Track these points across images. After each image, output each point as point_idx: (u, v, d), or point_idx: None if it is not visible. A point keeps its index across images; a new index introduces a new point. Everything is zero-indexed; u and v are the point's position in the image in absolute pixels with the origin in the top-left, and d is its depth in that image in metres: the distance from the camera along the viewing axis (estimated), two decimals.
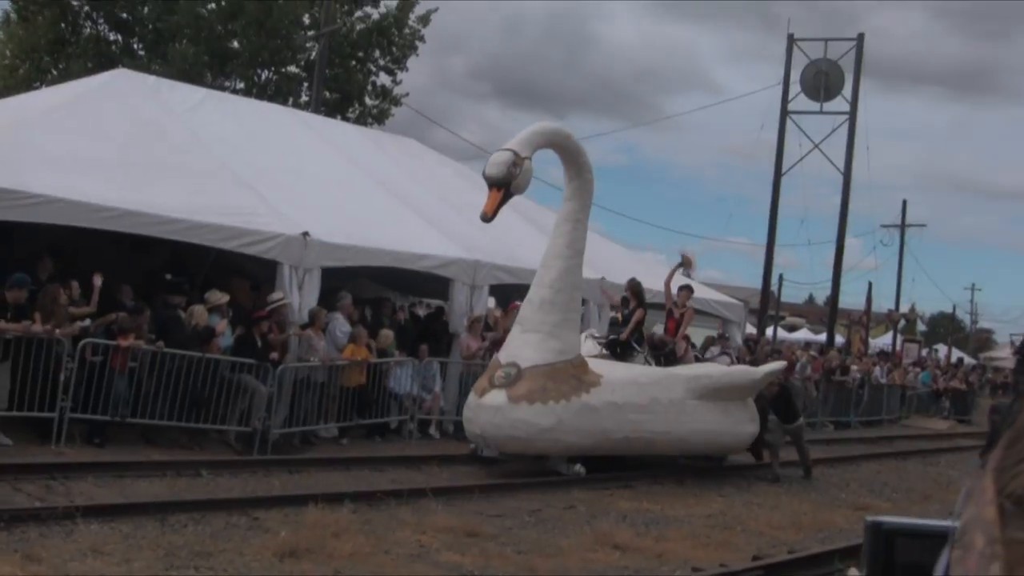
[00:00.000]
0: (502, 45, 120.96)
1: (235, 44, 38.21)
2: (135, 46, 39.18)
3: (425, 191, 22.07)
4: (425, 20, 40.27)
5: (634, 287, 18.03)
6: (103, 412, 14.28)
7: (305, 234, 16.20)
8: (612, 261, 24.31)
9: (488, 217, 14.68)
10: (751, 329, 34.16)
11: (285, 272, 16.15)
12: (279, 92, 38.30)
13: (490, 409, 15.23)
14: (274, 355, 15.69)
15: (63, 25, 37.72)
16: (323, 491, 12.46)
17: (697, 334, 27.61)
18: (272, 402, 15.51)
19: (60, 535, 9.76)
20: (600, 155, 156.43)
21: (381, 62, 40.39)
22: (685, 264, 18.88)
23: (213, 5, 37.82)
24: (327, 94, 35.60)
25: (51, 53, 37.91)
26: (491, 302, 20.21)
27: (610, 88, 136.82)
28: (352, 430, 17.57)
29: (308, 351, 16.39)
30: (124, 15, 38.61)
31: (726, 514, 14.58)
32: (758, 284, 42.64)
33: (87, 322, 14.58)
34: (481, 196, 23.22)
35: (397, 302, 20.77)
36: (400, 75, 40.90)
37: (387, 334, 18.01)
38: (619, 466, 16.76)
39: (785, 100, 40.63)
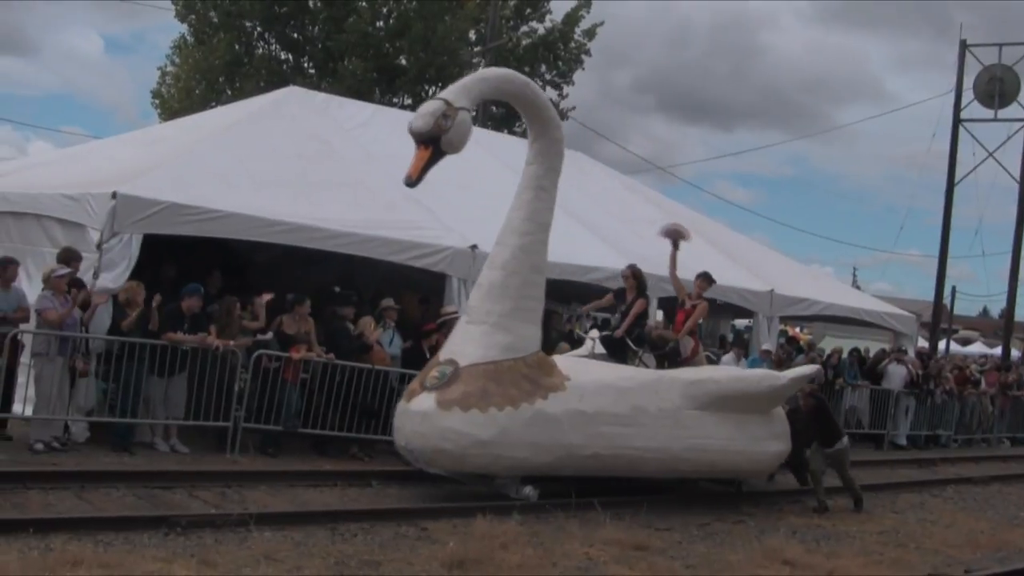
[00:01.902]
0: (667, 58, 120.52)
1: (402, 61, 38.73)
2: (305, 65, 40.02)
3: (593, 204, 22.04)
4: (591, 34, 40.34)
5: (635, 272, 15.56)
6: (275, 422, 14.56)
7: (473, 247, 16.30)
8: (780, 273, 23.99)
9: (412, 180, 12.32)
10: (923, 343, 33.40)
11: (454, 285, 16.29)
12: None
13: (416, 416, 12.73)
14: None
15: (237, 47, 38.73)
16: (491, 503, 12.49)
17: (877, 349, 27.07)
18: None
19: (234, 541, 9.96)
20: (768, 167, 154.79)
21: (547, 76, 40.58)
22: (677, 237, 15.88)
23: (381, 23, 38.43)
24: (493, 108, 35.85)
25: (226, 74, 38.94)
26: (659, 315, 19.96)
27: (777, 99, 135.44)
28: None
29: None
30: (295, 35, 39.49)
31: (899, 531, 14.21)
32: (930, 297, 41.64)
33: (269, 335, 14.88)
34: (650, 209, 23.33)
35: (566, 315, 20.70)
36: (567, 89, 41.05)
37: (564, 347, 17.86)
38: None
39: (958, 108, 39.61)
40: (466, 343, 13.02)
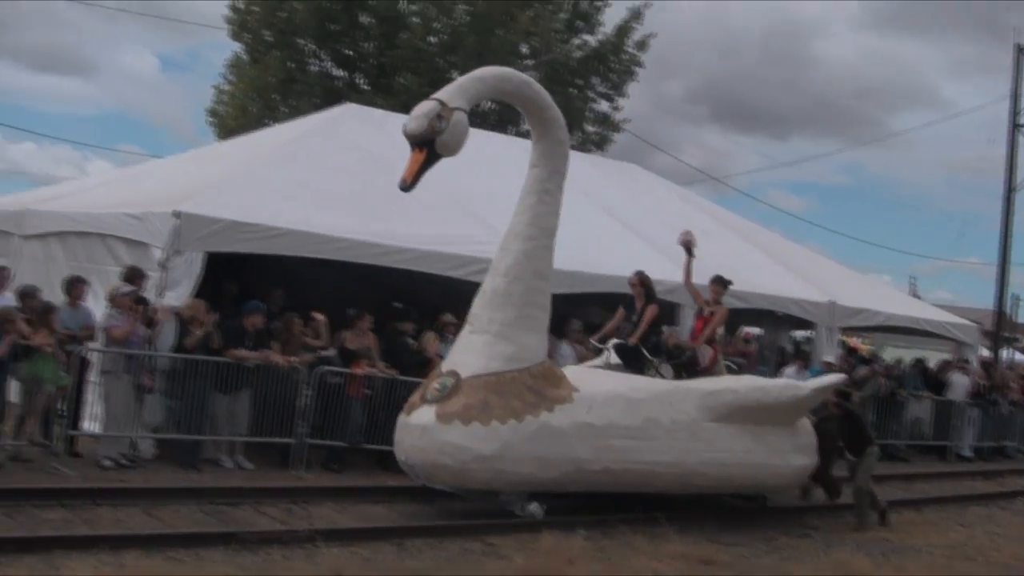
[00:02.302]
0: (719, 67, 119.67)
1: (455, 75, 38.80)
2: (359, 81, 40.18)
3: (649, 216, 21.98)
4: (643, 45, 40.24)
5: (642, 279, 14.79)
6: (339, 438, 14.61)
7: None
8: (840, 283, 23.79)
9: (406, 184, 11.98)
10: (985, 352, 33.00)
11: None
12: (500, 121, 38.75)
13: (415, 430, 12.19)
14: None
15: (291, 64, 38.96)
16: (557, 517, 12.44)
17: (934, 358, 26.74)
18: None
19: (302, 557, 10.02)
20: (824, 175, 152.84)
21: (600, 89, 40.57)
22: (689, 248, 15.13)
23: (433, 39, 38.54)
24: None
25: (280, 91, 39.19)
26: (745, 331, 19.85)
27: (831, 107, 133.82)
28: None
29: None
30: (348, 51, 39.67)
31: (967, 544, 13.98)
32: (991, 305, 41.10)
33: (331, 351, 14.94)
34: (705, 220, 23.22)
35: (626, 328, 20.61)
36: (619, 101, 41.01)
37: None
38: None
39: (1014, 112, 39.16)
40: (468, 353, 12.49)
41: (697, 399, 13.39)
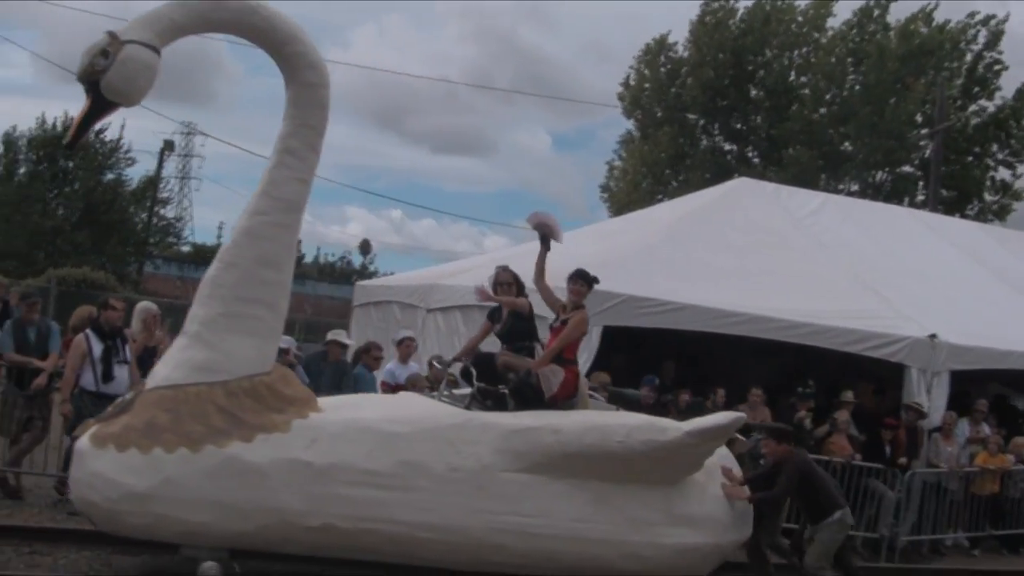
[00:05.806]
0: None
1: (847, 146, 38.34)
2: (749, 154, 40.32)
3: None
4: None
5: (514, 276, 11.25)
6: None
7: (932, 336, 15.77)
8: None
9: (68, 141, 9.17)
10: None
11: (913, 375, 15.71)
12: (894, 192, 37.95)
13: (76, 456, 9.20)
14: (902, 460, 15.30)
15: (681, 140, 39.58)
16: None
17: None
18: (900, 508, 15.14)
19: None
20: None
21: (999, 156, 39.10)
22: (545, 236, 10.87)
23: (824, 110, 38.24)
24: (943, 192, 34.84)
25: (671, 166, 39.86)
26: None
27: None
28: (984, 541, 16.66)
29: (936, 456, 15.85)
30: (739, 126, 39.92)
31: None
32: None
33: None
34: None
35: None
36: (1021, 168, 39.39)
37: (1021, 441, 16.90)
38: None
39: None
40: (164, 361, 9.70)
41: (497, 439, 9.55)
